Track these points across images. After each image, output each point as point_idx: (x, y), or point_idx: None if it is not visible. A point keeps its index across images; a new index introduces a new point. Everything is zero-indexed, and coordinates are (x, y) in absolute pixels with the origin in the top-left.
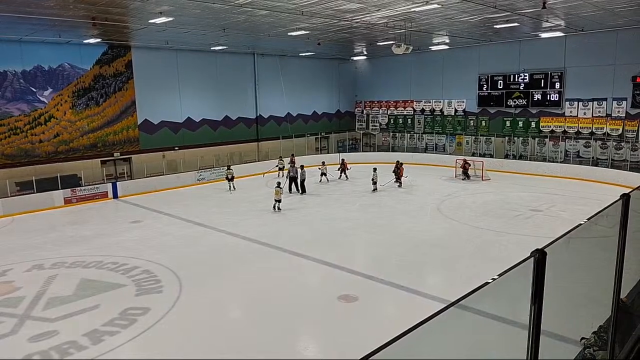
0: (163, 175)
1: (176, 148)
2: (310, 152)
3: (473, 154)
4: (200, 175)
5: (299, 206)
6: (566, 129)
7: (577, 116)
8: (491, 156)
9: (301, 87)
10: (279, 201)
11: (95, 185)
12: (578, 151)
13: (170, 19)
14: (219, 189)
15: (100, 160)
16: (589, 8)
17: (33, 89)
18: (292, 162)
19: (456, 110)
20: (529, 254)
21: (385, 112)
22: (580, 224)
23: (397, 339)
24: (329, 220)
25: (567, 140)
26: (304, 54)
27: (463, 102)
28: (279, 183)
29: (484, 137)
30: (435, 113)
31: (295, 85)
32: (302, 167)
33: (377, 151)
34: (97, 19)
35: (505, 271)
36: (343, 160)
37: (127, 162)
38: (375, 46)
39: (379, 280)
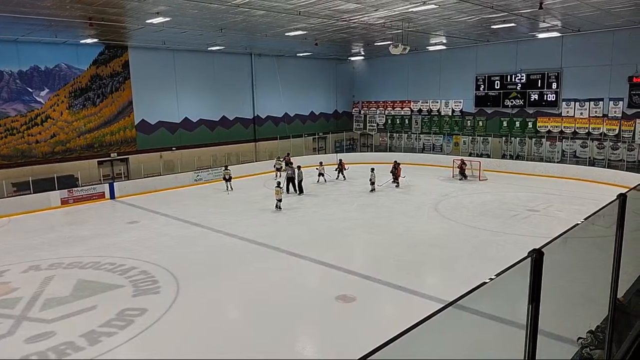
0: (160, 175)
1: (173, 148)
2: (307, 152)
3: (470, 154)
4: (198, 175)
5: (297, 206)
6: (563, 129)
7: (574, 116)
8: (488, 156)
9: (299, 88)
10: (280, 200)
11: (92, 186)
12: (575, 151)
13: (167, 19)
14: (216, 190)
15: (97, 161)
16: (585, 8)
17: (29, 89)
18: (289, 162)
19: (453, 111)
20: (526, 254)
21: (383, 112)
22: (577, 224)
23: (395, 339)
24: (327, 220)
25: (564, 140)
26: (301, 54)
27: (460, 102)
28: (279, 183)
29: (481, 137)
30: (432, 113)
31: (293, 86)
32: (298, 167)
33: (375, 151)
34: (93, 19)
35: (503, 271)
36: (341, 160)
37: (124, 162)
38: (373, 46)
39: (377, 280)
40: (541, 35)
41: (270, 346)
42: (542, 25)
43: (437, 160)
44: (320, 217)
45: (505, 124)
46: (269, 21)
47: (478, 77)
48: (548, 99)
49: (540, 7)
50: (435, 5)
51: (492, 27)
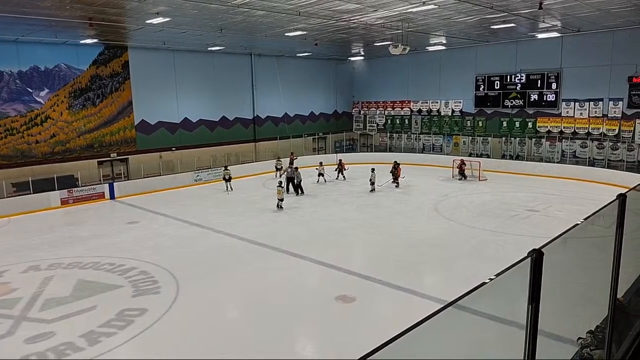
0: (160, 175)
1: (173, 148)
2: (307, 152)
3: (470, 154)
4: (198, 175)
5: (297, 206)
6: (563, 130)
7: (573, 116)
8: (488, 156)
9: (298, 88)
10: (282, 200)
11: (92, 186)
12: (574, 151)
13: (167, 19)
14: (216, 190)
15: (97, 161)
16: (585, 9)
17: (29, 90)
18: (292, 162)
19: (453, 111)
20: (525, 254)
21: (383, 112)
22: (577, 224)
23: (395, 339)
24: (327, 220)
25: (563, 140)
26: (301, 55)
27: (460, 102)
28: (280, 182)
29: (481, 138)
30: (432, 113)
31: (293, 86)
32: (296, 168)
33: (375, 151)
34: (93, 20)
35: (503, 271)
36: (340, 160)
37: (124, 162)
38: (373, 46)
39: (377, 280)
40: (541, 36)
41: (270, 346)
42: (541, 25)
43: (436, 161)
44: (320, 217)
45: (505, 124)
46: (269, 21)
47: (478, 78)
48: (548, 99)
49: (540, 7)
50: (435, 5)
51: (491, 27)
